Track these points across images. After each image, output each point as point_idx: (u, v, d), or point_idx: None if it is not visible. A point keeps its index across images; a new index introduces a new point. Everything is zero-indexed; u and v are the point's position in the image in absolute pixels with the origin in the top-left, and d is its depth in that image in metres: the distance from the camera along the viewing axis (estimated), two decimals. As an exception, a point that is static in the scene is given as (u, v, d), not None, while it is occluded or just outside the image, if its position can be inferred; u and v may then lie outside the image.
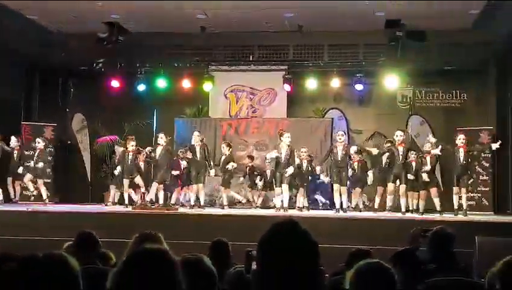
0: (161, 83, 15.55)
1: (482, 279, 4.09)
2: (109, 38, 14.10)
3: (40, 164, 13.58)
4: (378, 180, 13.17)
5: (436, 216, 11.97)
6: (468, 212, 12.58)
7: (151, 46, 15.62)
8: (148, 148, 13.48)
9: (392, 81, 14.91)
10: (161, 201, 13.22)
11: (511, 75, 14.36)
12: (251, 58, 15.87)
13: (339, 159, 12.57)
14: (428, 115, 15.98)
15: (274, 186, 13.06)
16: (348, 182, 12.98)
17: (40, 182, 13.74)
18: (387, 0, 12.62)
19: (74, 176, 16.24)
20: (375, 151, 13.22)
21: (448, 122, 15.57)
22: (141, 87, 15.62)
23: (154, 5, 13.16)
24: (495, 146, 12.68)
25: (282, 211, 12.45)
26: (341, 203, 12.57)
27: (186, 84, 15.62)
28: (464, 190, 12.51)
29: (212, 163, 13.55)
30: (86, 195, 15.79)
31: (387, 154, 12.72)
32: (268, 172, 13.83)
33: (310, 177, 13.48)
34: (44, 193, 13.68)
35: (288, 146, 12.69)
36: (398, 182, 12.61)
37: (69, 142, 16.59)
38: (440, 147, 12.66)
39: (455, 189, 12.51)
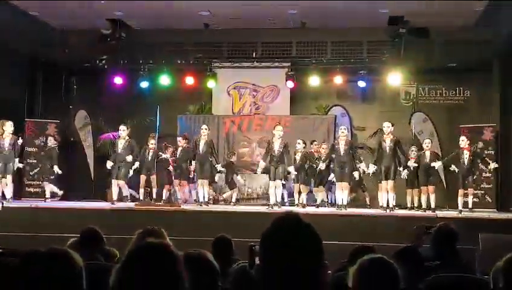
0: (164, 80, 15.55)
1: (485, 276, 4.08)
2: (112, 35, 14.13)
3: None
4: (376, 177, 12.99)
5: (438, 213, 11.95)
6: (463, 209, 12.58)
7: (154, 43, 15.64)
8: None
9: (395, 78, 14.87)
10: (164, 197, 13.26)
11: (514, 72, 14.34)
12: (254, 55, 15.86)
13: (341, 154, 12.32)
14: (431, 112, 15.96)
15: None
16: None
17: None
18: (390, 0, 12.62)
19: (77, 173, 16.23)
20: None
21: (451, 120, 15.57)
22: (144, 84, 15.64)
23: (157, 2, 13.15)
24: (493, 165, 12.86)
25: (276, 208, 12.22)
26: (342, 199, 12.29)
27: (189, 81, 15.63)
28: (470, 190, 12.54)
29: (217, 159, 13.54)
30: (89, 192, 15.80)
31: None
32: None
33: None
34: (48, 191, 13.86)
35: (281, 139, 12.47)
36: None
37: (72, 139, 16.60)
38: (440, 163, 12.70)
39: (460, 191, 12.49)
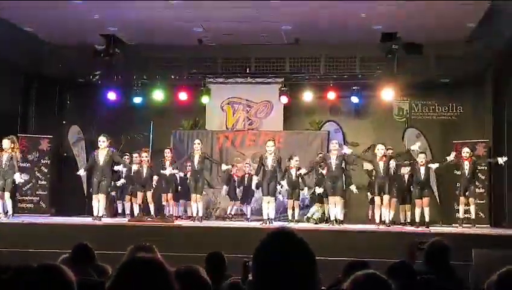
0: (158, 95, 15.56)
1: (479, 291, 4.08)
2: (106, 51, 14.14)
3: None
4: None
5: (432, 228, 11.95)
6: (464, 225, 12.59)
7: (148, 58, 15.67)
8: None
9: (388, 94, 14.90)
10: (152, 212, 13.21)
11: (507, 88, 14.39)
12: (248, 71, 15.91)
13: (333, 168, 12.21)
14: (424, 127, 15.98)
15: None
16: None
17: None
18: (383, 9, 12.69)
19: (70, 188, 16.14)
20: (369, 166, 13.18)
21: (444, 135, 15.60)
22: (137, 100, 15.64)
23: (151, 17, 13.19)
24: (502, 160, 12.59)
25: (268, 224, 12.15)
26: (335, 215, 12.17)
27: (182, 96, 15.64)
28: (472, 199, 12.60)
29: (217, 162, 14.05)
30: (82, 207, 15.70)
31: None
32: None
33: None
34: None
35: (274, 154, 12.44)
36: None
37: (65, 154, 16.54)
38: (437, 164, 12.70)
39: (462, 199, 12.59)
